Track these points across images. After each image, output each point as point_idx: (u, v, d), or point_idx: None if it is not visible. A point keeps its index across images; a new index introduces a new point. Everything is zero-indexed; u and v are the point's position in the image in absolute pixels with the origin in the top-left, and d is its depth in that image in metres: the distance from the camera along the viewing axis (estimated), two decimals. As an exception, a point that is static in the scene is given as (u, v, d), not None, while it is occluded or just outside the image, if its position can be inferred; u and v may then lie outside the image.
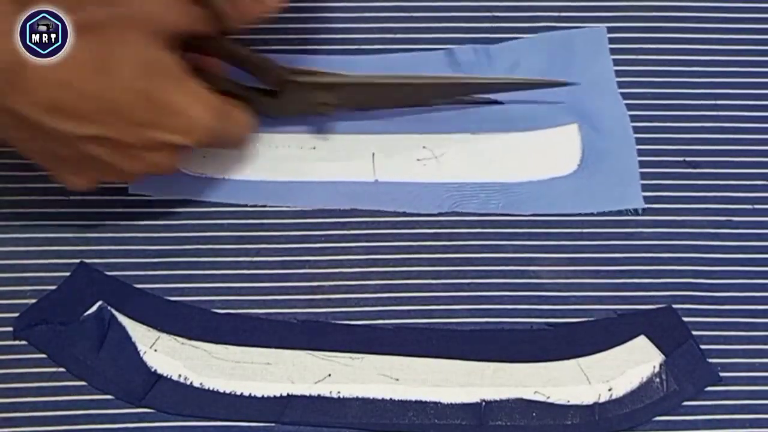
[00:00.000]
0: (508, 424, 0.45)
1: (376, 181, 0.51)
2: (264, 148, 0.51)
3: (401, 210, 0.50)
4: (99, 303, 0.47)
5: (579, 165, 0.51)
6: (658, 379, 0.46)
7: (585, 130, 0.51)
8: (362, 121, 0.51)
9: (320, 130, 0.51)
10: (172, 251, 0.48)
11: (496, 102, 0.52)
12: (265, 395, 0.45)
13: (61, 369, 0.46)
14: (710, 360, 0.46)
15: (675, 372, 0.46)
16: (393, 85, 0.50)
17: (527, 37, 0.54)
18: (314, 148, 0.51)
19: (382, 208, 0.50)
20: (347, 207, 0.50)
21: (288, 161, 0.51)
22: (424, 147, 0.51)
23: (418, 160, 0.51)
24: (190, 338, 0.47)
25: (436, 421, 0.45)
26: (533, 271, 0.49)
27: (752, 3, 0.56)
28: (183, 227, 0.49)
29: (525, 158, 0.51)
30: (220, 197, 0.50)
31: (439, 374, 0.46)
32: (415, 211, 0.50)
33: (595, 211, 0.50)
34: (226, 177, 0.50)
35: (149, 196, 0.49)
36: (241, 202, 0.50)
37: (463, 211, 0.50)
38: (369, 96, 0.50)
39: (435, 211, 0.50)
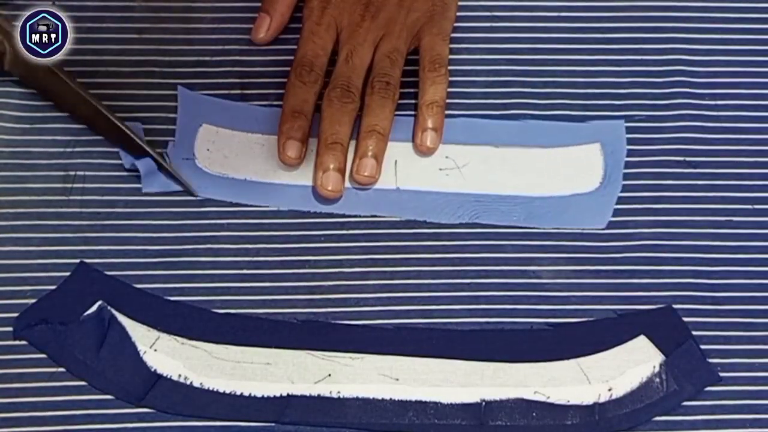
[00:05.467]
0: (508, 424, 0.45)
1: (398, 189, 0.50)
2: None
3: (422, 219, 0.49)
4: (99, 303, 0.47)
5: (601, 183, 0.51)
6: (658, 379, 0.46)
7: (608, 150, 0.51)
8: None
9: None
10: (172, 251, 0.48)
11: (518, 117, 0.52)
12: (265, 395, 0.45)
13: (61, 369, 0.46)
14: (710, 360, 0.46)
15: (675, 372, 0.46)
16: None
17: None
18: None
19: (403, 216, 0.49)
20: (368, 214, 0.49)
21: (310, 166, 0.50)
22: (447, 157, 0.51)
23: (440, 169, 0.51)
24: (190, 338, 0.47)
25: (436, 421, 0.45)
26: (533, 271, 0.49)
27: (752, 3, 0.56)
28: (183, 227, 0.49)
29: (548, 173, 0.51)
30: (246, 199, 0.50)
31: (439, 374, 0.46)
32: (436, 221, 0.49)
33: None
34: (248, 178, 0.50)
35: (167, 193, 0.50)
36: (263, 204, 0.49)
37: (484, 222, 0.49)
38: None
39: (456, 222, 0.49)
